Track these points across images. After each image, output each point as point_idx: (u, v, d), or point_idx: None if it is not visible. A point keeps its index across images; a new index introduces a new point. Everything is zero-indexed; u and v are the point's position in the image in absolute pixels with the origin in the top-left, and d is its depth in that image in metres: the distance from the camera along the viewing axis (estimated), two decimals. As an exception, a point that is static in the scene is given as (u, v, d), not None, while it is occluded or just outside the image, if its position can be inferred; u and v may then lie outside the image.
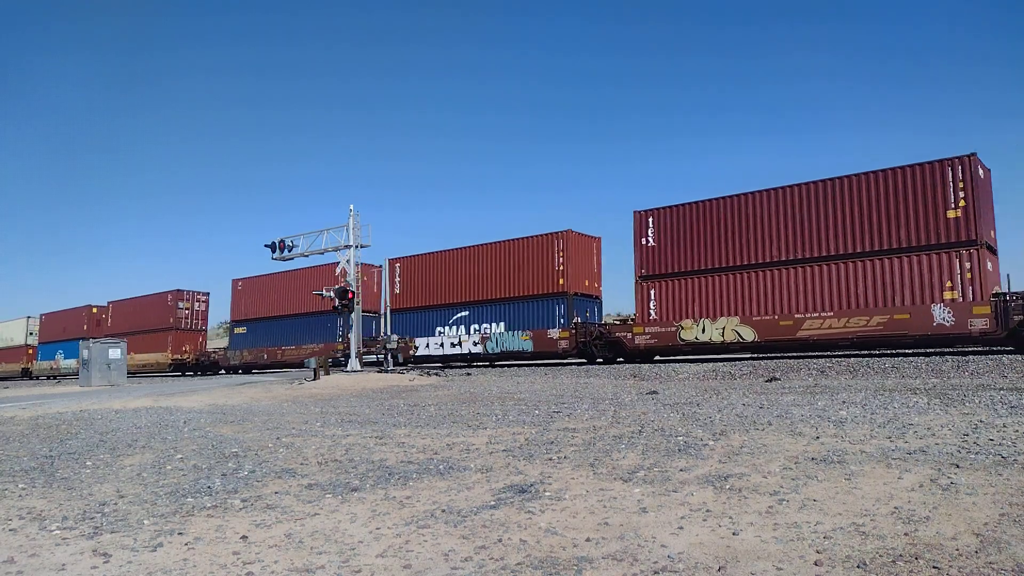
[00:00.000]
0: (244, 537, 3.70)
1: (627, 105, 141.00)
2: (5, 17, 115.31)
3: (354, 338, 24.29)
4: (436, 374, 21.96)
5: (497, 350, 25.74)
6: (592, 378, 17.23)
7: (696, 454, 5.53)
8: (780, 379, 14.25)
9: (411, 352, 27.53)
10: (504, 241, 26.22)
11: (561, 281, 24.38)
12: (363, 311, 24.95)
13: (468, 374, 21.80)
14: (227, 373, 36.88)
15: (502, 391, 13.87)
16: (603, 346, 23.02)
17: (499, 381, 17.34)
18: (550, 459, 5.64)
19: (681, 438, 6.35)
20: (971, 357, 15.21)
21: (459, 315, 27.04)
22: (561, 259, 24.40)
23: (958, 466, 4.60)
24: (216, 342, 48.55)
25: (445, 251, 28.13)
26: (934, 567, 2.80)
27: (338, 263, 24.83)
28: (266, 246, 26.82)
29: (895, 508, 3.69)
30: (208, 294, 42.36)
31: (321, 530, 3.78)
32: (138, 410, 12.14)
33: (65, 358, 47.05)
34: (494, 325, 26.00)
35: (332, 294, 23.92)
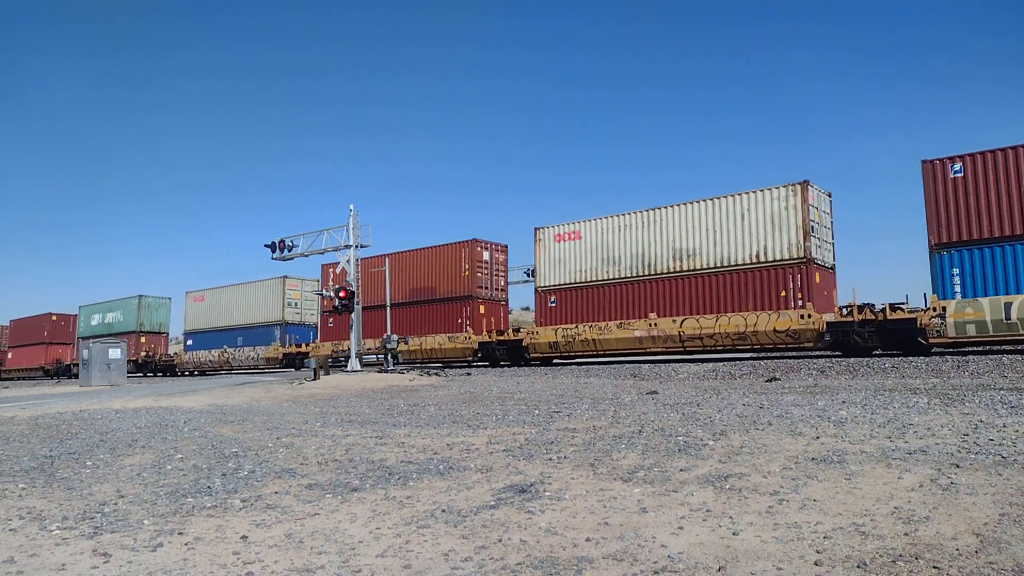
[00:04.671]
0: (244, 537, 3.70)
1: (627, 106, 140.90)
2: (5, 17, 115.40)
3: (354, 338, 24.29)
4: (436, 374, 21.96)
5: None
6: (592, 378, 17.23)
7: (696, 454, 5.53)
8: (780, 379, 14.25)
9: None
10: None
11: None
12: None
13: (468, 374, 21.80)
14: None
15: (502, 391, 13.87)
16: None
17: (499, 381, 17.34)
18: (550, 459, 5.63)
19: (681, 438, 6.35)
20: (971, 357, 15.22)
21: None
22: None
23: (958, 466, 4.60)
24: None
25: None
26: (934, 567, 2.80)
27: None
28: (266, 246, 26.90)
29: (895, 508, 3.69)
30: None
31: (321, 530, 3.78)
32: (138, 410, 12.15)
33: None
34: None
35: (331, 293, 23.91)
